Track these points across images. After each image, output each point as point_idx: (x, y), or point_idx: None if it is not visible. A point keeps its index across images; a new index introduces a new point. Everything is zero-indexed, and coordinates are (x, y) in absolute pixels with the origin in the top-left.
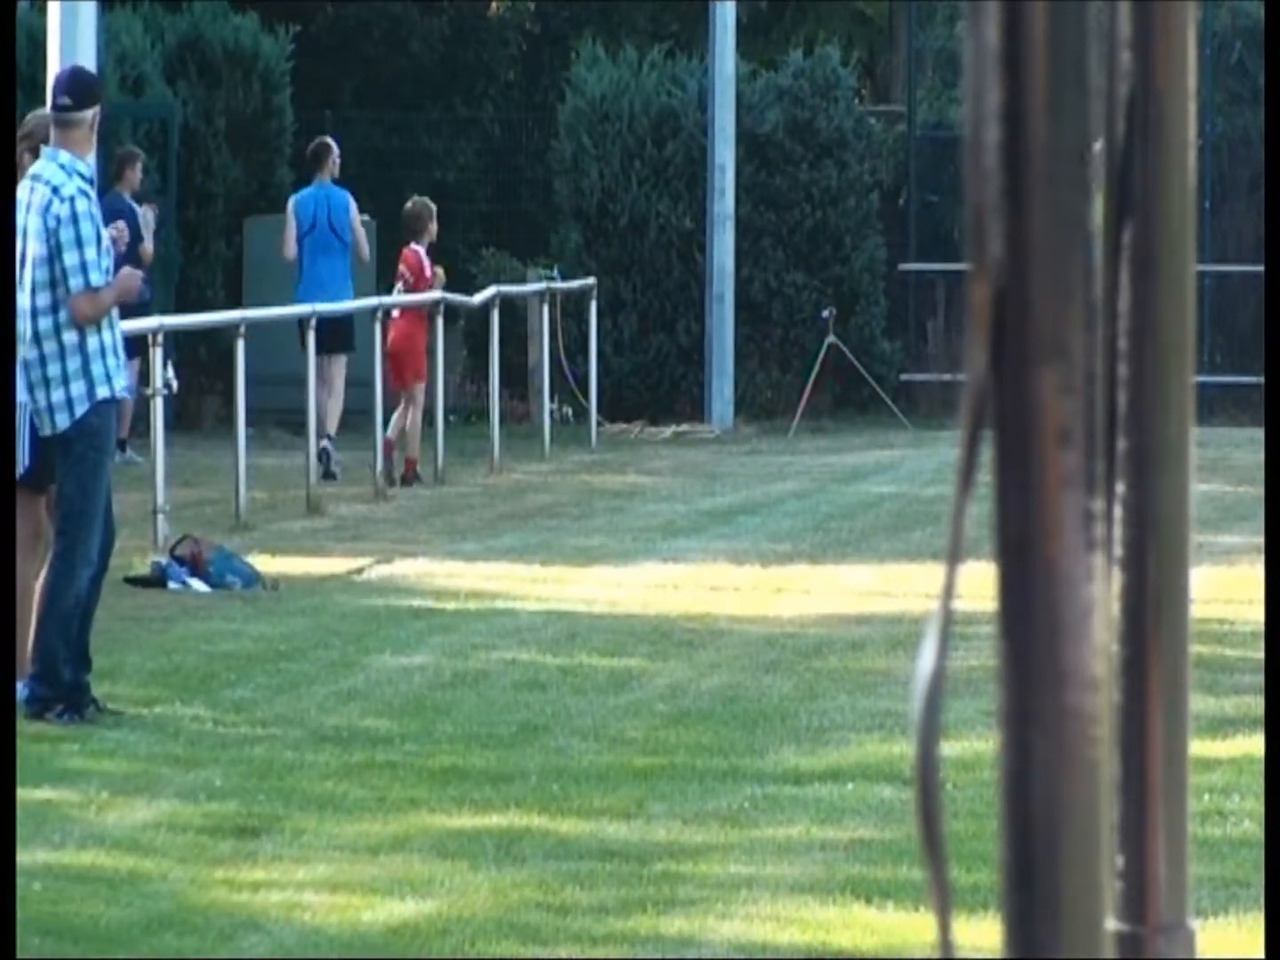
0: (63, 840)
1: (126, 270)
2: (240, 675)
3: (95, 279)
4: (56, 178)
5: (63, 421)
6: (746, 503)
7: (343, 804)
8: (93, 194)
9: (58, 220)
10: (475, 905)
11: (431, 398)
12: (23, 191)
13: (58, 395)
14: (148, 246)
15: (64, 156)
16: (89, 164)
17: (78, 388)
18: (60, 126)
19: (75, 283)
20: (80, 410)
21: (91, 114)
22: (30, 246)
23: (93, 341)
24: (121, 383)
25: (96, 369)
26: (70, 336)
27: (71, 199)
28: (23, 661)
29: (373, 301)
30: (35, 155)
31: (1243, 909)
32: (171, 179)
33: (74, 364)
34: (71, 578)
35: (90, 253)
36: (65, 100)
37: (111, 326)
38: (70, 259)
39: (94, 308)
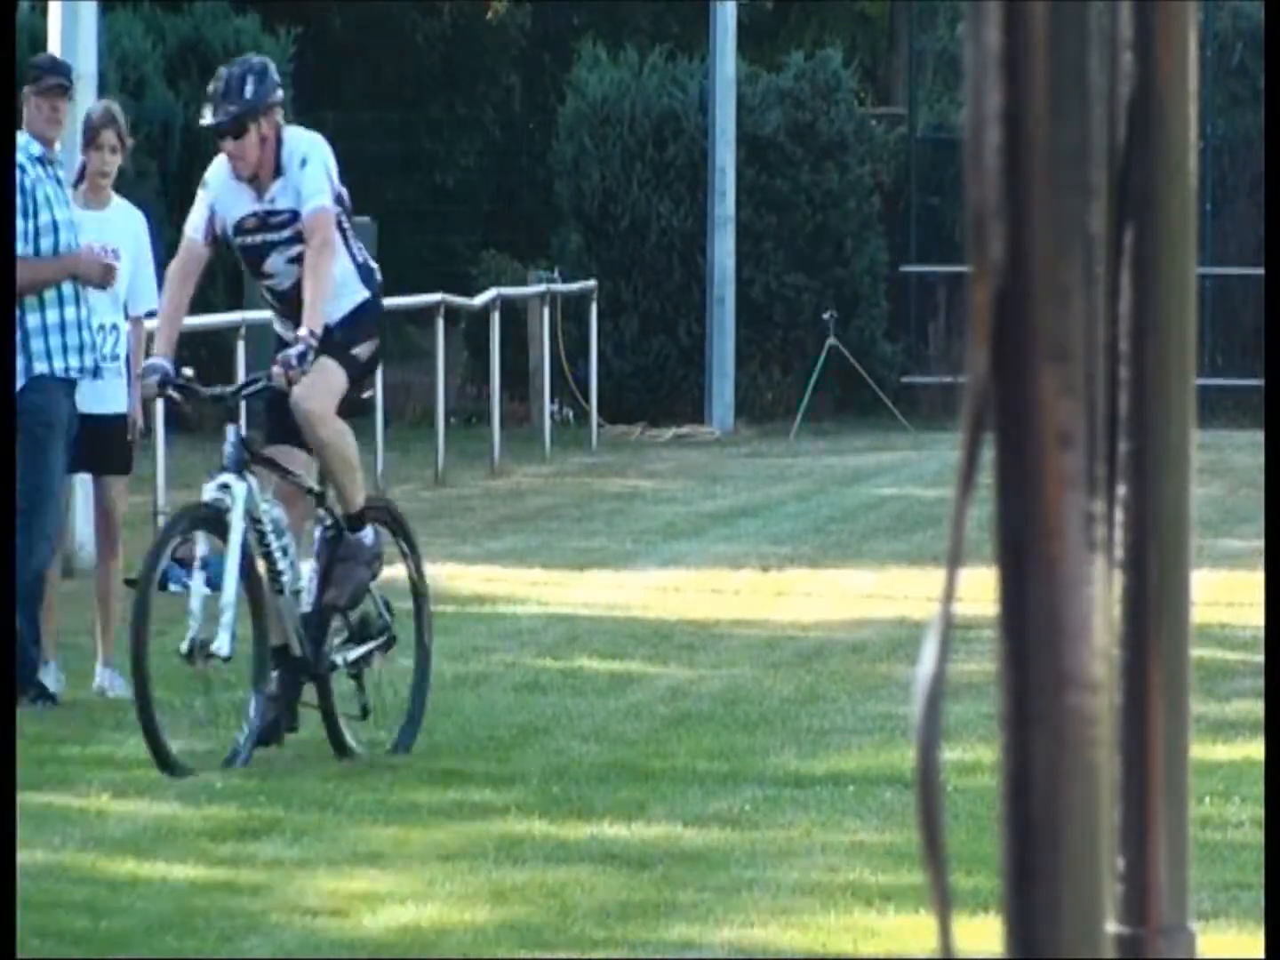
0: (63, 842)
1: (86, 246)
2: (241, 677)
3: (19, 248)
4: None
5: None
6: (747, 505)
7: (343, 806)
8: (29, 168)
9: None
10: (475, 908)
11: (432, 399)
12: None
13: None
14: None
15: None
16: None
17: (18, 363)
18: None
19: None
20: (18, 385)
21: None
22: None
23: (33, 319)
24: (74, 363)
25: (36, 345)
26: (19, 312)
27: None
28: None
29: None
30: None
31: (1243, 912)
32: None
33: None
34: (30, 554)
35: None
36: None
37: (60, 305)
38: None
39: (21, 277)
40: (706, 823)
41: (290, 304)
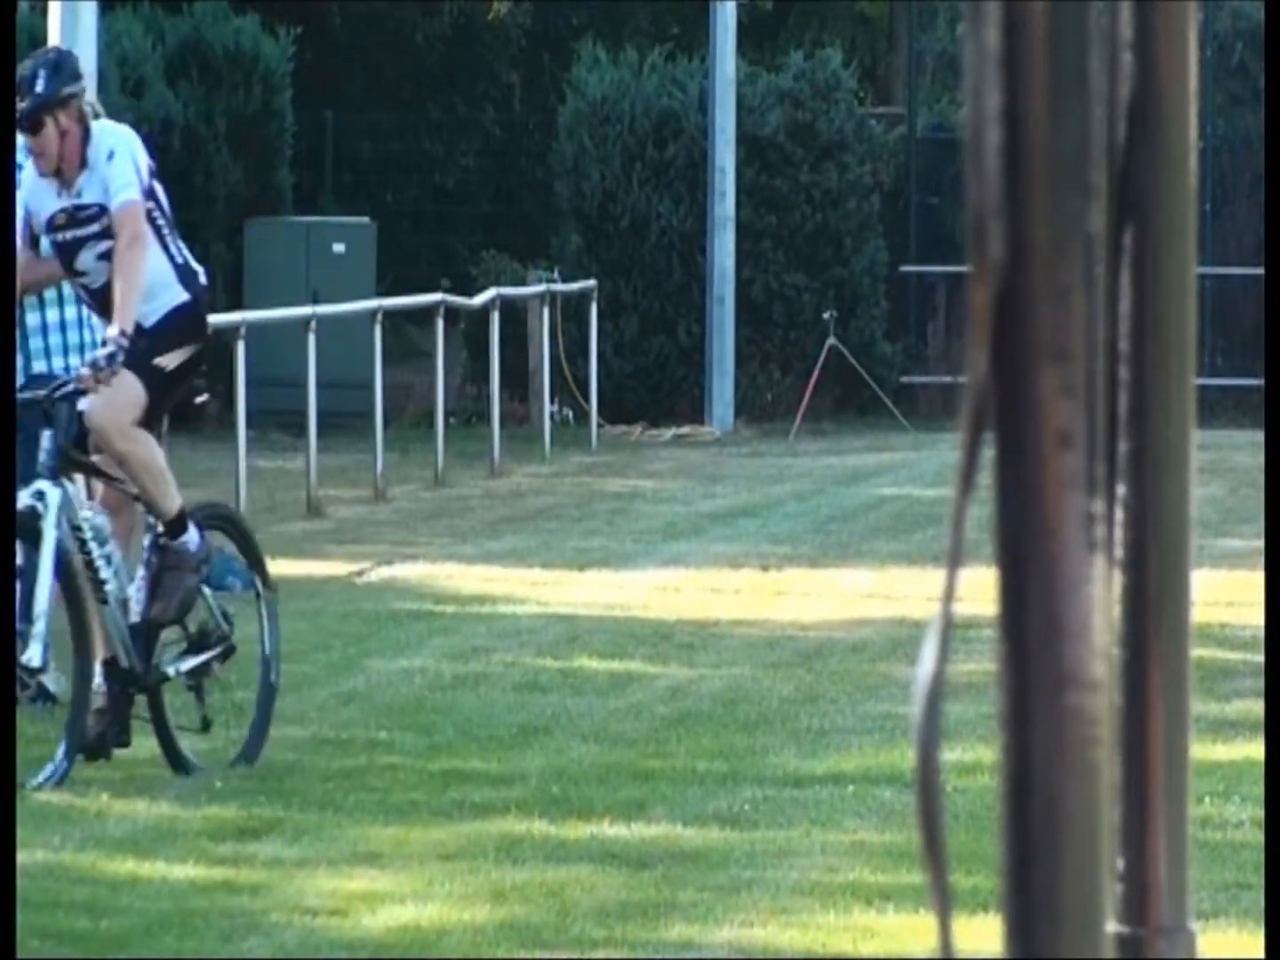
0: (63, 842)
1: None
2: (240, 677)
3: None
4: None
5: None
6: (747, 505)
7: (343, 806)
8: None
9: None
10: (475, 908)
11: (432, 399)
12: None
13: None
14: None
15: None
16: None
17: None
18: None
19: None
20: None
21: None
22: None
23: (32, 318)
24: (74, 361)
25: (35, 344)
26: (19, 311)
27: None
28: None
29: (373, 303)
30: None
31: (1243, 912)
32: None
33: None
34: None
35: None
36: None
37: (60, 304)
38: None
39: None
40: (706, 823)
41: (105, 302)
